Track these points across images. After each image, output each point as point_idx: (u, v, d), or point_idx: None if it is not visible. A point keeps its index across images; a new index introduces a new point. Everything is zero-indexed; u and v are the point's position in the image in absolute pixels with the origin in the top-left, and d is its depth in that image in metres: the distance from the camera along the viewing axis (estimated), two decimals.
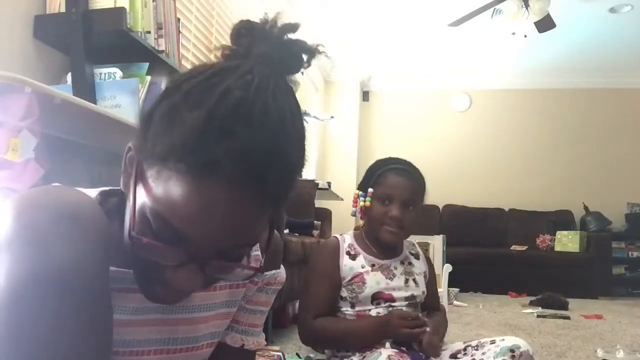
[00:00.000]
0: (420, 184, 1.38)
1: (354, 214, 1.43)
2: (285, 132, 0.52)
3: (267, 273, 0.77)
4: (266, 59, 0.54)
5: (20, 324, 0.46)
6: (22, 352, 0.46)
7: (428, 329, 1.24)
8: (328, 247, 1.41)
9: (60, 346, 0.46)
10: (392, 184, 1.34)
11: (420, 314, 1.31)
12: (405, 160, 1.42)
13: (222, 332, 0.76)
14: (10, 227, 0.49)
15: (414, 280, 1.37)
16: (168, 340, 0.67)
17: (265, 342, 0.83)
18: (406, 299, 1.33)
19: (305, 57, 0.57)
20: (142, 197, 0.53)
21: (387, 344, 1.25)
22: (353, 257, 1.37)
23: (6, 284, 0.47)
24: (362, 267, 1.34)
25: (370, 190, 1.35)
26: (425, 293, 1.39)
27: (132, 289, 0.62)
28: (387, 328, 1.25)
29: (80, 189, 0.59)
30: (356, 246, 1.39)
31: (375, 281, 1.32)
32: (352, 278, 1.33)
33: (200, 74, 0.53)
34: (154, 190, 0.51)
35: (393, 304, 1.31)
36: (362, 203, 1.37)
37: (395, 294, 1.32)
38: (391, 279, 1.34)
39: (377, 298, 1.31)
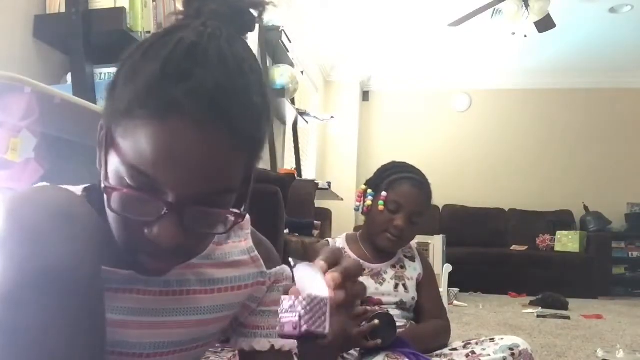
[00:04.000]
0: (429, 198, 1.37)
1: (357, 209, 1.42)
2: (242, 73, 0.53)
3: (271, 271, 0.75)
4: (216, 15, 0.56)
5: (13, 322, 0.45)
6: (15, 350, 0.45)
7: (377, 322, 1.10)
8: (317, 250, 1.40)
9: (55, 345, 0.46)
10: (404, 194, 1.32)
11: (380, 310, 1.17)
12: (419, 170, 1.40)
13: (218, 333, 0.74)
14: (3, 226, 0.48)
15: (404, 285, 1.35)
16: (162, 344, 0.65)
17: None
18: (395, 304, 1.32)
19: (255, 12, 0.59)
20: (114, 162, 0.53)
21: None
22: None
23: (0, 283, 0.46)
24: None
25: (384, 194, 1.33)
26: (416, 299, 1.36)
27: (123, 289, 0.61)
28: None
29: (64, 186, 0.58)
30: (347, 250, 1.38)
31: None
32: None
33: (156, 35, 0.56)
34: (122, 146, 0.51)
35: (382, 306, 1.29)
36: (368, 202, 1.37)
37: (384, 299, 1.31)
38: (381, 284, 1.33)
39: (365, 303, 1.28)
